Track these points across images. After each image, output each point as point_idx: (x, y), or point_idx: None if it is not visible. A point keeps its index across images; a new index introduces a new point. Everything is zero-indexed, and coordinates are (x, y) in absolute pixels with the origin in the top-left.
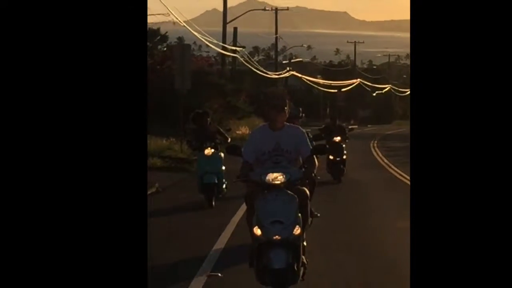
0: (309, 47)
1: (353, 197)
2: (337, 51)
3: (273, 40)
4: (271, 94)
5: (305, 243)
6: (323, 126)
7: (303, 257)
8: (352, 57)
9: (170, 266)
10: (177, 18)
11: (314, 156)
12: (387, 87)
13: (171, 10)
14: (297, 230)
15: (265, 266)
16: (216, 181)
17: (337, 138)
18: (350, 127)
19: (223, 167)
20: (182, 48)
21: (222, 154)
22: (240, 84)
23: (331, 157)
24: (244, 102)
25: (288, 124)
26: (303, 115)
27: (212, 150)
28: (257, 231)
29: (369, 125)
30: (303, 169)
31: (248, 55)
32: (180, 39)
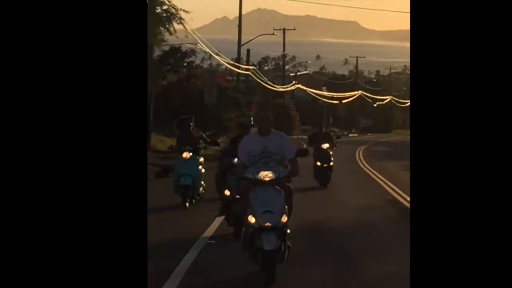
0: (318, 57)
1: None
2: (346, 61)
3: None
4: (259, 108)
5: (288, 230)
6: (312, 133)
7: (288, 241)
8: (360, 68)
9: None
10: (201, 45)
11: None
12: (388, 98)
13: (199, 40)
14: (284, 218)
15: (258, 248)
16: (192, 184)
17: (325, 145)
18: (350, 134)
19: (203, 170)
20: (210, 72)
21: (202, 159)
22: (252, 97)
23: (318, 163)
24: (255, 112)
25: (274, 130)
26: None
27: (190, 154)
28: (251, 219)
29: (368, 134)
30: (288, 169)
31: (259, 72)
32: (193, 51)
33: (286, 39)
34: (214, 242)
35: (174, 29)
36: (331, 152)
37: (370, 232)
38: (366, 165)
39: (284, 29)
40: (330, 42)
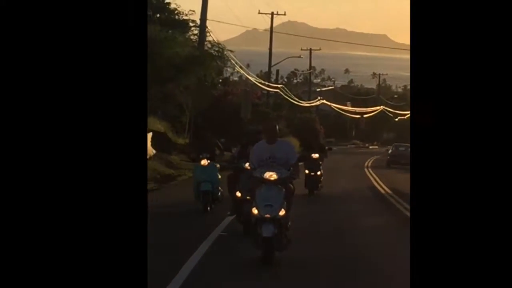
0: (346, 71)
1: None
2: (374, 75)
3: (312, 63)
4: (266, 122)
5: (289, 223)
6: (307, 142)
7: (287, 233)
8: (388, 82)
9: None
10: (238, 68)
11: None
12: (409, 113)
13: (238, 67)
14: (282, 212)
15: (259, 235)
16: (211, 189)
17: (315, 155)
18: (371, 146)
19: (219, 176)
20: (246, 91)
21: (218, 165)
22: (281, 111)
23: (306, 171)
24: (283, 125)
25: (280, 139)
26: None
27: (208, 161)
28: (255, 211)
29: (388, 146)
30: (290, 171)
31: (286, 89)
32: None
33: (315, 53)
34: (226, 234)
35: (224, 63)
36: (320, 162)
37: (348, 202)
38: (370, 169)
39: (310, 49)
40: (360, 55)
